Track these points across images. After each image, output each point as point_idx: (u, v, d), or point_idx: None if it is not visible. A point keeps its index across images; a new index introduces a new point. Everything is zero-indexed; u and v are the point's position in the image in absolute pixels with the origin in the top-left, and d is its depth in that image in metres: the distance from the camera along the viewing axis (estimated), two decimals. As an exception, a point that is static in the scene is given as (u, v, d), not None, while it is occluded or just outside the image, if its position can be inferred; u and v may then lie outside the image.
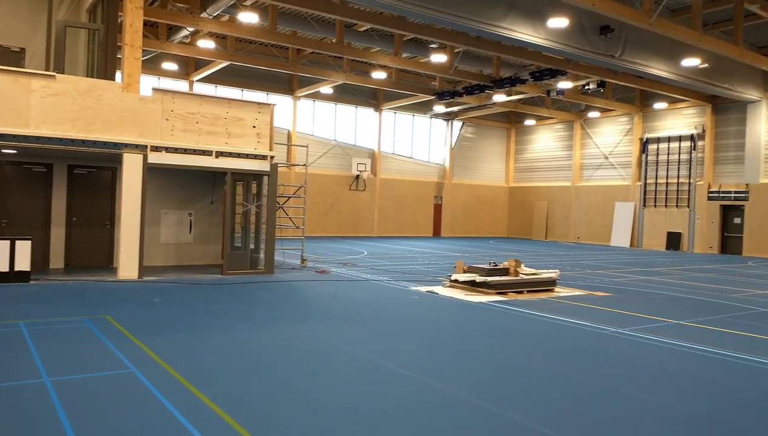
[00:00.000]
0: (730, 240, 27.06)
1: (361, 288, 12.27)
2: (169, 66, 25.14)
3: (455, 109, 33.00)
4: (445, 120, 35.41)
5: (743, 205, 26.34)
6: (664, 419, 5.03)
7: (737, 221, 26.77)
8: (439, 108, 32.21)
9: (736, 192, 26.68)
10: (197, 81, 26.83)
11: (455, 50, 24.13)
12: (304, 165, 16.68)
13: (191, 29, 20.95)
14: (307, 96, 29.98)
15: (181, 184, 14.66)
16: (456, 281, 12.42)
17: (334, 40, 22.14)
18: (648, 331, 8.60)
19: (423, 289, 12.22)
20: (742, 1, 19.41)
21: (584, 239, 32.94)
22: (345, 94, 31.04)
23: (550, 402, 5.38)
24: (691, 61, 21.15)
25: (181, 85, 26.28)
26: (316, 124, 31.02)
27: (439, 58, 23.31)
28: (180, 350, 6.72)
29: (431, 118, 34.83)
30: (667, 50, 21.07)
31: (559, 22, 16.95)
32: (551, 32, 17.64)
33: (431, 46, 24.14)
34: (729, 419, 5.06)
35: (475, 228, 36.61)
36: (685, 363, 6.94)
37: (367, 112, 32.62)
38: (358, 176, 31.59)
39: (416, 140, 34.74)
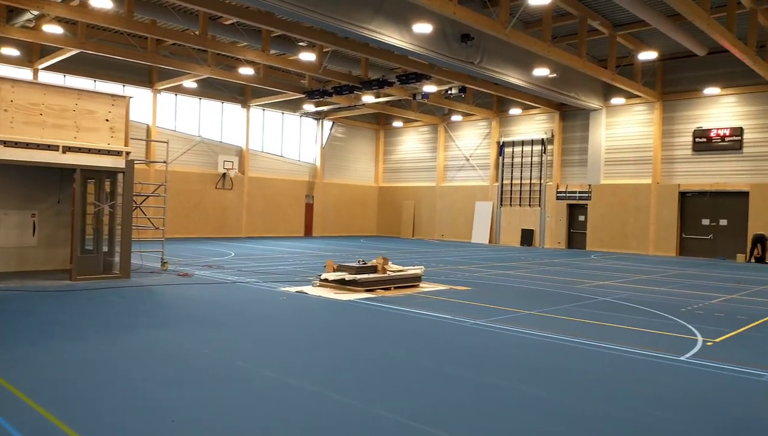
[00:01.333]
0: (575, 236, 29.66)
1: (226, 291, 11.89)
2: (10, 52, 22.71)
3: (325, 108, 33.05)
4: (316, 119, 35.36)
5: (587, 204, 28.96)
6: (522, 403, 5.39)
7: (581, 218, 29.40)
8: (309, 107, 32.08)
9: (580, 192, 29.28)
10: (43, 69, 24.52)
11: (324, 50, 24.16)
12: (165, 162, 15.83)
13: (36, 12, 19.09)
14: (168, 89, 28.50)
15: (22, 182, 13.30)
16: (326, 280, 12.44)
17: (197, 32, 21.25)
18: (503, 321, 9.17)
19: (292, 289, 12.10)
20: (585, 17, 21.28)
21: (448, 236, 34.45)
22: (210, 89, 29.93)
23: (415, 395, 5.54)
24: (542, 71, 22.86)
25: (24, 74, 23.85)
26: (178, 119, 29.60)
27: (308, 56, 23.21)
28: (22, 365, 6.09)
29: (301, 116, 34.60)
30: (521, 60, 22.62)
31: (423, 28, 17.55)
32: (416, 37, 18.23)
33: (300, 44, 23.97)
34: (577, 401, 5.53)
35: (347, 227, 36.94)
36: (536, 350, 7.47)
37: (234, 109, 31.69)
38: (224, 174, 30.60)
39: (286, 138, 34.34)
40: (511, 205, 31.89)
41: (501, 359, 7.00)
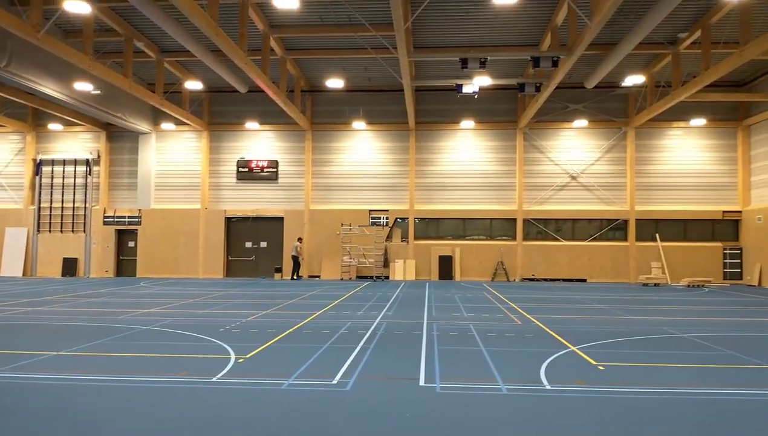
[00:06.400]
0: (125, 263, 28.34)
1: None
2: None
3: None
4: None
5: (137, 230, 28.04)
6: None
7: (131, 244, 28.29)
8: None
9: (129, 217, 28.19)
10: None
11: None
12: None
13: None
14: None
15: None
16: None
17: None
18: (18, 369, 7.76)
19: None
20: (131, 37, 20.66)
21: (-33, 269, 28.42)
22: None
23: None
24: (84, 86, 21.19)
25: None
26: None
27: None
28: None
29: None
30: (60, 71, 20.47)
31: None
32: None
33: None
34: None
35: None
36: (53, 397, 6.49)
37: None
38: None
39: None
40: (50, 231, 28.40)
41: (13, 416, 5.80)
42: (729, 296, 19.64)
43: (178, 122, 27.57)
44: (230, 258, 28.18)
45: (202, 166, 28.09)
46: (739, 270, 26.28)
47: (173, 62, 23.96)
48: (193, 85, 24.00)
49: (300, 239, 26.90)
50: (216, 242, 27.76)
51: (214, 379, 7.32)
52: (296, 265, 26.55)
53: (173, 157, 28.38)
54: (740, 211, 26.45)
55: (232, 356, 8.70)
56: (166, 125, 27.76)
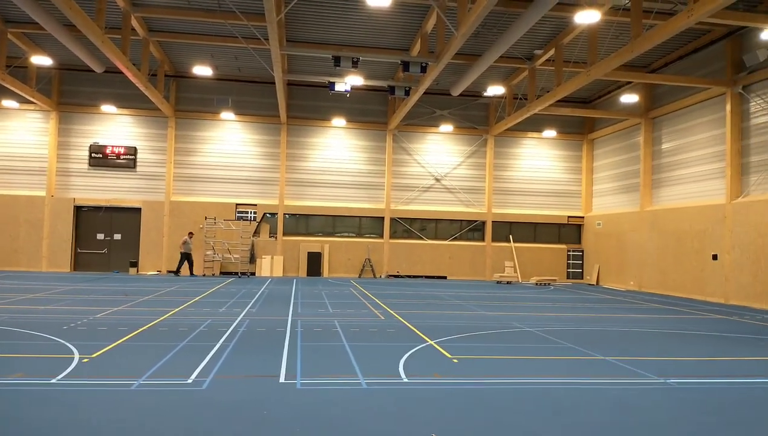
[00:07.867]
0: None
1: None
2: None
3: None
4: None
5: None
6: None
7: (-39, 232, 25.16)
8: None
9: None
10: None
11: None
12: None
13: None
14: None
15: None
16: None
17: None
18: None
19: None
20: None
21: None
22: None
23: None
24: None
25: None
26: None
27: None
28: None
29: None
30: None
31: None
32: None
33: None
34: None
35: None
36: None
37: None
38: None
39: None
40: None
41: None
42: (571, 294, 21.52)
43: (22, 100, 24.98)
44: (79, 251, 26.02)
45: (49, 149, 25.64)
46: (581, 270, 28.91)
47: (19, 34, 21.65)
48: (41, 60, 21.84)
49: (191, 234, 25.22)
50: (63, 232, 25.50)
51: (54, 380, 6.72)
52: (189, 261, 24.80)
53: (15, 139, 25.64)
54: (583, 217, 29.10)
55: (76, 356, 8.04)
56: (8, 102, 25.01)
